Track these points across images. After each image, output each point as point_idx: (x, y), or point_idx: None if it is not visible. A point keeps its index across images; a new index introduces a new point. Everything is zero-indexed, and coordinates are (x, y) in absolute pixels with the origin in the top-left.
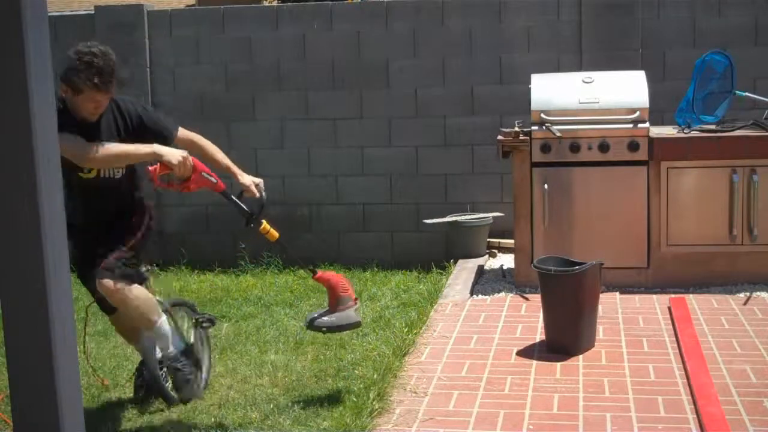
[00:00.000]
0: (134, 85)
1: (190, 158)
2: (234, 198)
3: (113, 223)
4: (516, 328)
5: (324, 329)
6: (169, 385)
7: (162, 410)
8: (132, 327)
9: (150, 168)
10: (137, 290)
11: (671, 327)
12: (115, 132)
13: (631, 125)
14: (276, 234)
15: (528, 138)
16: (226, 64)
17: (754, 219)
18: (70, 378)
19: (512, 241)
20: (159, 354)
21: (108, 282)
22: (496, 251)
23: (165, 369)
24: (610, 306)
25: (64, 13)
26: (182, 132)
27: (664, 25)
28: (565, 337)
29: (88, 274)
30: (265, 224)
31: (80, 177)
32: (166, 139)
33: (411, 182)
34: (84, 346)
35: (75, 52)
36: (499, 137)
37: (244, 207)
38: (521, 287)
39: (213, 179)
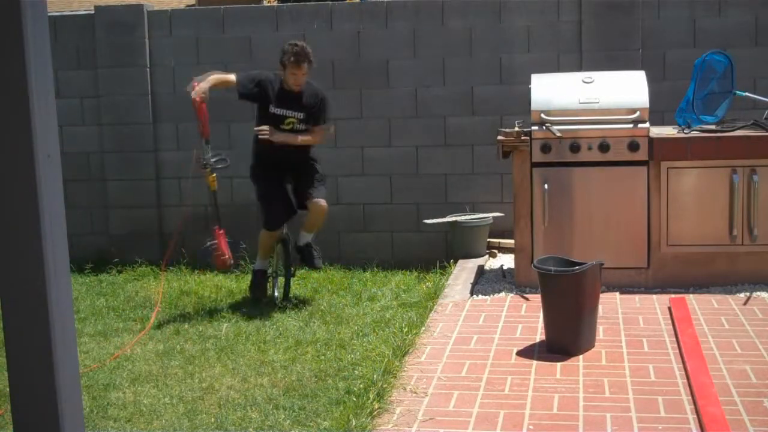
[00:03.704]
0: (134, 85)
1: (203, 95)
2: (206, 148)
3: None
4: (516, 328)
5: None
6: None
7: (161, 410)
8: (311, 225)
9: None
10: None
11: (671, 327)
12: (305, 106)
13: (631, 125)
14: (214, 187)
15: (528, 138)
16: (226, 64)
17: (754, 219)
18: (70, 378)
19: (512, 241)
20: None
21: (324, 201)
22: (496, 251)
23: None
24: (610, 306)
25: (64, 13)
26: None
27: (664, 25)
28: (565, 338)
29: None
30: (213, 176)
31: (282, 128)
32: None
33: (411, 182)
34: None
35: (286, 44)
36: (500, 137)
37: (207, 158)
38: (521, 287)
39: (202, 125)
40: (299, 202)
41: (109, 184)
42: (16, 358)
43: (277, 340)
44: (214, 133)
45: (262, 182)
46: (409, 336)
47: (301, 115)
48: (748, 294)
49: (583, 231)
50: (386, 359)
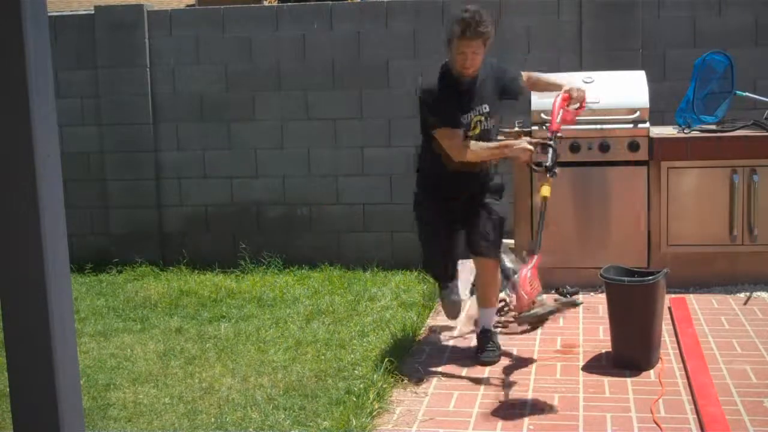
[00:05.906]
0: (134, 85)
1: (529, 150)
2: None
3: (480, 197)
4: (516, 328)
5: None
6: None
7: (161, 410)
8: (481, 292)
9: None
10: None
11: (671, 327)
12: (487, 92)
13: (631, 125)
14: (545, 194)
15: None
16: (226, 64)
17: (755, 219)
18: (70, 378)
19: (512, 241)
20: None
21: (490, 260)
22: None
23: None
24: None
25: (64, 13)
26: (525, 79)
27: (664, 25)
28: (635, 351)
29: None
30: (549, 182)
31: (469, 137)
32: (516, 97)
33: (411, 182)
34: None
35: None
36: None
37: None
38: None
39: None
40: (468, 246)
41: (109, 184)
42: (16, 358)
43: (277, 340)
44: (214, 133)
45: (426, 220)
46: (410, 336)
47: (485, 108)
48: (748, 294)
49: (583, 231)
50: (386, 359)
